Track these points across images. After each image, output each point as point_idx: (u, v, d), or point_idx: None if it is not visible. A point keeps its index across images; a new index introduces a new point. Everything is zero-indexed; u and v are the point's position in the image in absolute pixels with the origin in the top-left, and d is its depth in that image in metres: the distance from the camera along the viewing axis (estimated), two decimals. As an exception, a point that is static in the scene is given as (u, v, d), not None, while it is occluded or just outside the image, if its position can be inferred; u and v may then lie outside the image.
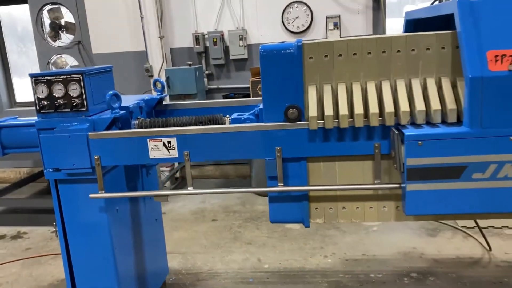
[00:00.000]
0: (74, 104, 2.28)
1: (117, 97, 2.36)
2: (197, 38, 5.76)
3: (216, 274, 3.61)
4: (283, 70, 2.14)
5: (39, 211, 5.17)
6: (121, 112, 2.41)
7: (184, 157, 2.25)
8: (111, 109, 2.35)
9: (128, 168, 2.74)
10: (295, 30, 5.62)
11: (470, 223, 4.09)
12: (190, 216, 4.86)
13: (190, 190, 2.33)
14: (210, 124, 2.54)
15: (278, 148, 2.19)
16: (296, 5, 5.56)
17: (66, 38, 6.20)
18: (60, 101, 2.29)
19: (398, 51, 2.09)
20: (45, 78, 2.28)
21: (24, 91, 6.90)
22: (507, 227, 4.01)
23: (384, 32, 5.43)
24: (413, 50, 2.08)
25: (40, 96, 2.29)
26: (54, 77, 2.27)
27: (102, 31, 5.99)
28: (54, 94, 2.28)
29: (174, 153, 2.25)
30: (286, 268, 3.63)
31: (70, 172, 2.34)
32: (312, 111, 2.08)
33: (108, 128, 2.36)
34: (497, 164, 1.90)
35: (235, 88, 5.91)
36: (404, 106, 2.02)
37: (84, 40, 6.12)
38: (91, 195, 2.31)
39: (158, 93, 3.06)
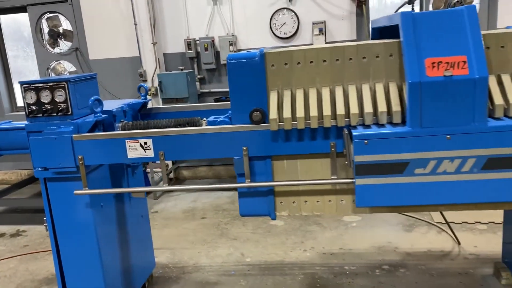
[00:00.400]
0: (60, 109, 2.51)
1: (99, 102, 2.59)
2: (189, 44, 5.99)
3: (201, 268, 3.83)
4: (248, 76, 2.36)
5: (38, 210, 5.39)
6: (103, 115, 2.64)
7: (159, 157, 2.47)
8: (93, 113, 2.57)
9: (113, 168, 2.97)
10: (282, 35, 5.84)
11: (445, 218, 4.30)
12: (181, 215, 5.08)
13: (165, 186, 2.55)
14: (188, 126, 2.76)
15: (244, 148, 2.41)
16: (283, 11, 5.78)
17: (64, 45, 6.46)
18: (47, 106, 2.52)
19: (350, 59, 2.30)
20: (33, 85, 2.51)
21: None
22: (479, 222, 4.20)
23: (367, 37, 5.63)
24: (364, 57, 2.29)
25: (29, 102, 2.53)
26: (41, 85, 2.50)
27: (98, 38, 6.24)
28: (42, 100, 2.51)
29: (150, 153, 2.48)
30: (267, 261, 3.84)
31: (57, 171, 2.57)
32: (273, 114, 2.30)
33: (91, 131, 2.60)
34: (436, 160, 2.11)
35: (226, 92, 6.12)
36: (354, 108, 2.24)
37: (81, 47, 6.37)
38: (75, 192, 2.54)
39: (143, 97, 3.29)
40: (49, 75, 6.57)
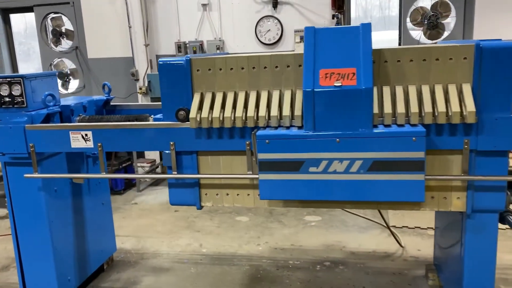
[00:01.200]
0: (16, 101, 2.86)
1: (52, 97, 2.93)
2: (179, 46, 6.33)
3: (159, 255, 4.13)
4: (175, 79, 2.65)
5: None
6: (56, 109, 2.97)
7: (98, 147, 2.79)
8: (46, 107, 2.91)
9: (72, 157, 3.30)
10: (267, 42, 6.12)
11: (399, 223, 4.48)
12: (157, 207, 5.41)
13: (103, 174, 2.87)
14: (135, 121, 3.07)
15: (172, 143, 2.70)
16: (268, 19, 6.06)
17: (66, 44, 6.90)
18: (6, 99, 2.87)
19: (265, 67, 2.57)
20: (-5, 80, 2.87)
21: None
22: (431, 228, 4.36)
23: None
24: (276, 67, 2.55)
25: (-10, 95, 2.88)
26: (1, 80, 2.85)
27: (96, 38, 6.65)
28: (1, 93, 2.86)
29: (90, 144, 2.80)
30: (220, 252, 4.12)
31: (12, 156, 2.92)
32: (193, 113, 2.58)
33: (45, 122, 2.93)
34: (327, 161, 2.35)
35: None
36: (262, 112, 2.50)
37: (81, 46, 6.80)
38: (25, 175, 2.88)
39: (106, 95, 3.63)
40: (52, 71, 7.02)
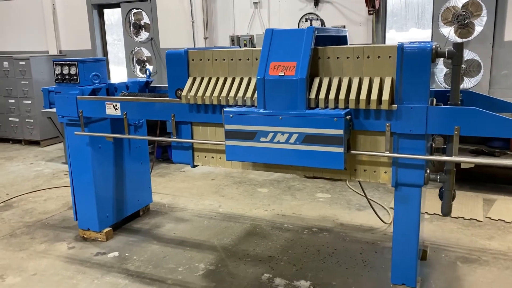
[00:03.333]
0: (72, 79, 3.93)
1: (98, 76, 3.97)
2: (233, 40, 7.21)
3: (185, 210, 5.08)
4: (176, 66, 3.50)
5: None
6: (101, 85, 4.01)
7: (123, 115, 3.76)
8: (93, 84, 3.96)
9: (116, 124, 4.33)
10: (309, 36, 6.72)
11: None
12: (198, 176, 6.38)
13: (126, 135, 3.84)
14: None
15: (172, 115, 3.57)
16: (310, 16, 6.66)
17: (143, 35, 8.15)
18: (66, 76, 3.96)
19: (240, 59, 3.31)
20: (60, 62, 3.97)
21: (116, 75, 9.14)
22: (426, 213, 4.75)
23: (374, 42, 6.26)
24: (248, 59, 3.29)
25: (56, 73, 3.99)
26: (63, 62, 3.94)
27: (167, 30, 7.79)
28: (63, 72, 3.96)
29: (118, 112, 3.77)
30: (233, 212, 4.95)
31: (69, 119, 4.02)
32: (184, 92, 3.42)
33: (92, 95, 3.98)
34: (273, 133, 3.03)
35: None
36: (232, 93, 3.25)
37: (155, 37, 7.99)
38: (75, 132, 3.96)
39: (147, 77, 4.62)
40: (132, 58, 8.34)
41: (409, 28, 6.53)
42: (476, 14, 5.65)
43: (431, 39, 6.09)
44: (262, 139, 3.07)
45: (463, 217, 4.59)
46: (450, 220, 4.54)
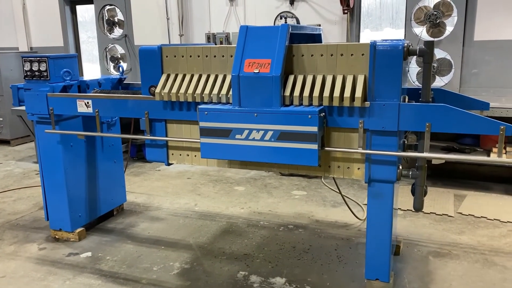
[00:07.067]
0: (42, 75, 3.83)
1: (68, 73, 3.88)
2: (209, 37, 7.17)
3: (160, 209, 5.03)
4: (150, 62, 3.45)
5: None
6: (72, 82, 3.92)
7: (95, 113, 3.68)
8: (63, 81, 3.87)
9: (88, 121, 4.24)
10: (284, 35, 6.74)
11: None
12: (174, 174, 6.33)
13: (98, 133, 3.77)
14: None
15: (146, 112, 3.52)
16: (285, 14, 6.68)
17: (117, 32, 8.02)
18: (36, 73, 3.86)
19: (215, 56, 3.29)
20: (29, 58, 3.86)
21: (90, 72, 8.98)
22: (400, 209, 4.83)
23: (358, 41, 6.33)
24: (223, 56, 3.27)
25: (26, 69, 3.88)
26: (33, 58, 3.84)
27: (141, 27, 7.69)
28: (33, 68, 3.85)
29: (90, 110, 3.70)
30: (209, 211, 4.92)
31: (39, 116, 3.91)
32: (158, 89, 3.38)
33: (62, 92, 3.89)
34: (248, 130, 3.02)
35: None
36: (206, 90, 3.23)
37: (129, 34, 7.88)
38: (45, 130, 3.86)
39: (120, 74, 4.55)
40: (106, 55, 8.20)
41: (383, 28, 6.63)
42: (447, 14, 5.77)
43: (404, 38, 6.19)
44: (237, 136, 3.06)
45: (435, 213, 4.68)
46: (422, 216, 4.63)
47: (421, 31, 5.93)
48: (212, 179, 6.05)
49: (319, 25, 6.44)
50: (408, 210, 4.75)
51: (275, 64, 2.94)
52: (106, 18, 7.95)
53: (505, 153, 5.05)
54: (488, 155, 5.30)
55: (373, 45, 2.85)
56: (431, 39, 5.87)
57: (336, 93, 2.91)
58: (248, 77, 2.98)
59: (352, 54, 2.95)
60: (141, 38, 7.73)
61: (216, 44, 7.07)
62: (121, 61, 8.11)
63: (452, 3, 5.75)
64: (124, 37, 7.94)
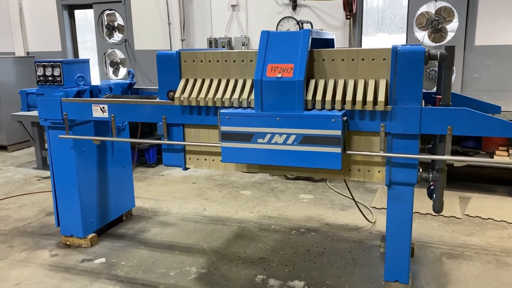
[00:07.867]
0: (56, 80, 3.81)
1: (82, 78, 3.86)
2: (211, 42, 7.19)
3: (169, 214, 5.01)
4: (168, 67, 3.46)
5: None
6: (86, 87, 3.90)
7: (111, 118, 3.67)
8: (77, 86, 3.85)
9: (99, 126, 4.22)
10: (287, 39, 6.79)
11: (379, 204, 5.05)
12: (179, 179, 6.31)
13: (114, 138, 3.75)
14: (145, 101, 3.92)
15: (164, 117, 3.52)
16: (288, 19, 6.74)
17: (117, 37, 8.00)
18: (49, 78, 3.83)
19: (234, 61, 3.31)
20: (42, 63, 3.84)
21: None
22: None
23: (360, 46, 6.41)
24: (242, 61, 3.29)
25: (39, 74, 3.86)
26: (46, 63, 3.82)
27: (142, 32, 7.67)
28: (46, 73, 3.83)
29: (106, 115, 3.68)
30: (219, 215, 4.92)
31: (52, 121, 3.88)
32: (177, 94, 3.38)
33: (76, 97, 3.87)
34: (271, 134, 3.05)
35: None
36: (227, 95, 3.24)
37: (129, 39, 7.85)
38: (59, 136, 3.83)
39: (130, 79, 4.54)
40: (105, 60, 8.16)
41: (385, 32, 6.72)
42: (449, 19, 5.88)
43: (406, 43, 6.29)
44: (260, 140, 3.08)
45: (442, 215, 4.75)
46: (431, 218, 4.69)
47: (423, 36, 6.03)
48: (218, 184, 6.04)
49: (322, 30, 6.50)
50: (415, 212, 4.81)
51: (298, 68, 2.97)
52: (106, 23, 7.92)
53: (508, 155, 5.16)
54: (491, 157, 5.38)
55: (394, 50, 2.90)
56: (433, 44, 5.98)
57: (359, 97, 2.94)
58: (271, 81, 3.00)
59: (373, 59, 2.99)
60: (141, 43, 7.72)
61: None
62: (120, 65, 8.08)
63: (453, 8, 5.86)
64: (124, 42, 7.91)
